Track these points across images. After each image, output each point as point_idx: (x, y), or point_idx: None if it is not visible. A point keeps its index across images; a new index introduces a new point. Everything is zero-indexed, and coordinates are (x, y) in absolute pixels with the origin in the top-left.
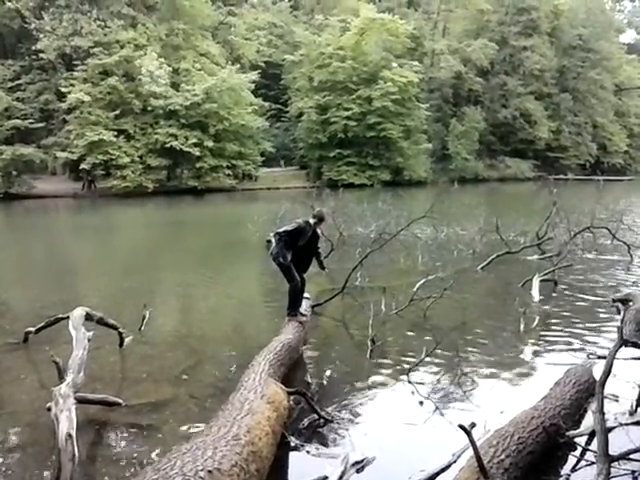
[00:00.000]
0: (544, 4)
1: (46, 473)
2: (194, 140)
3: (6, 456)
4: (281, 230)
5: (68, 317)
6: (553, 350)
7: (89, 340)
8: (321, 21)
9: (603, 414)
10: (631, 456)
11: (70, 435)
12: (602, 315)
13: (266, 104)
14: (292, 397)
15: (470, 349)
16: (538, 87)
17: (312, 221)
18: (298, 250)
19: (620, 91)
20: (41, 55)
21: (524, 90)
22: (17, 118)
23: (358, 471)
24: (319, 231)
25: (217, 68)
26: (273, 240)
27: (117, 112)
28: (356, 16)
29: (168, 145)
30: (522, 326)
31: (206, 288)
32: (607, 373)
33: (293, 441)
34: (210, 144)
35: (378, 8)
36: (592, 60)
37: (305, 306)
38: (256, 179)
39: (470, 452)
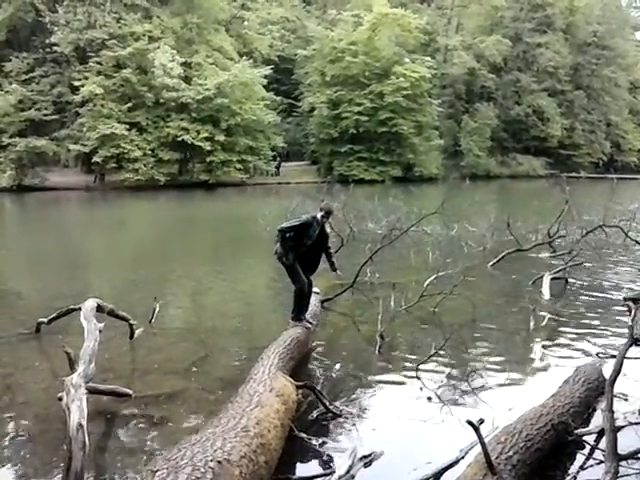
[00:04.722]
0: (559, 0)
1: (57, 462)
2: (205, 134)
3: (18, 445)
4: (286, 226)
5: (80, 308)
6: (563, 348)
7: (100, 331)
8: (334, 16)
9: (612, 413)
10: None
11: (81, 425)
12: (613, 314)
13: (278, 99)
14: (301, 391)
15: (479, 346)
16: (552, 84)
17: (319, 215)
18: (305, 250)
19: (635, 89)
20: (55, 48)
21: (537, 87)
22: (31, 110)
23: (366, 465)
24: (328, 228)
25: (230, 63)
26: (277, 237)
27: (130, 105)
28: (369, 11)
29: (180, 139)
30: (532, 324)
31: (216, 281)
32: (617, 372)
33: (301, 434)
34: (221, 138)
35: (391, 3)
36: (607, 57)
37: (314, 301)
38: (268, 173)
39: (478, 448)
